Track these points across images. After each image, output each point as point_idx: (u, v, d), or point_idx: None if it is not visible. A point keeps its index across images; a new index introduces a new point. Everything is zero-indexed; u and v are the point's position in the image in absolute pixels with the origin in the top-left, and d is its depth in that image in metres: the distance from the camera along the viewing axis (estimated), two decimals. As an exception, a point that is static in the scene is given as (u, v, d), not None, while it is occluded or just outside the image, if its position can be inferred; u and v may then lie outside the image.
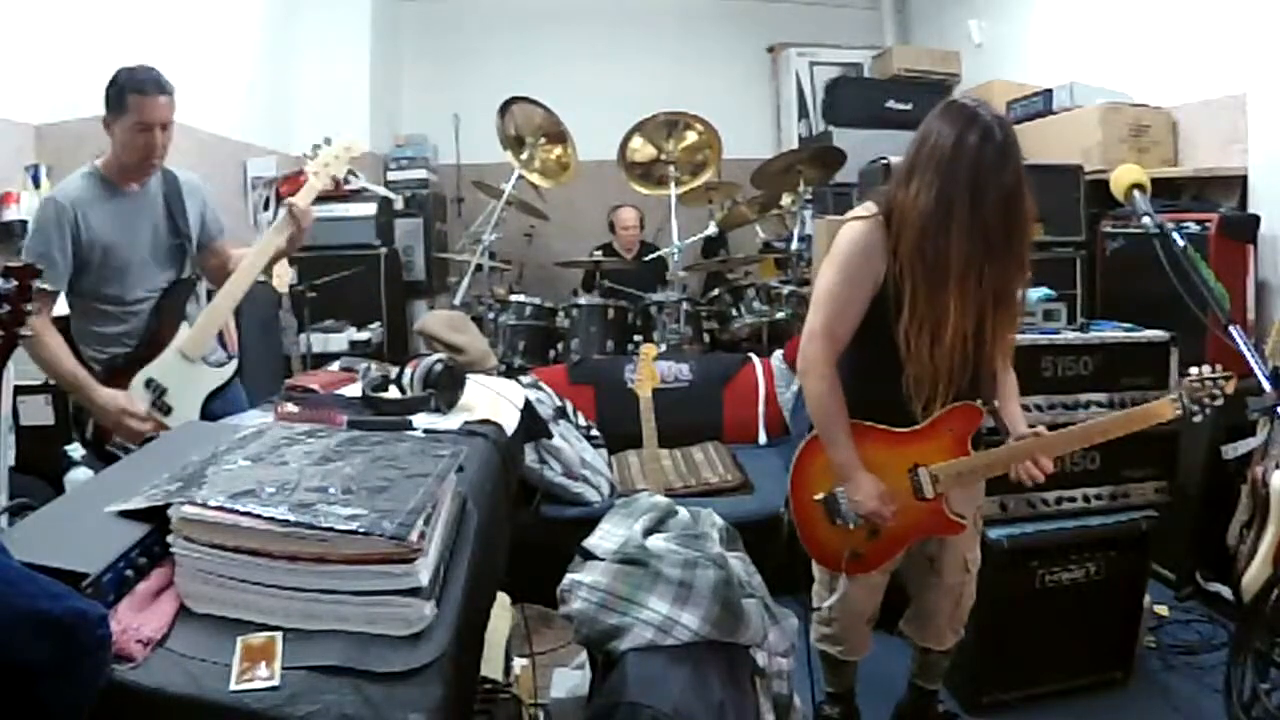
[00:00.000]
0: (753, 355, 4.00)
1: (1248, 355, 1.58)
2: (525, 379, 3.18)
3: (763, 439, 3.79)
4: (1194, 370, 1.74)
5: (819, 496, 1.92)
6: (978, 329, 1.76)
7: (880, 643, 2.79)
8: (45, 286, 2.14)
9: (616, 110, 4.83)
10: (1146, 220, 1.65)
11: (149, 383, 2.23)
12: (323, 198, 4.92)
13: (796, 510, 1.98)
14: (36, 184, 3.10)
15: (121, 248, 2.25)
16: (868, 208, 1.81)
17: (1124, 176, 1.71)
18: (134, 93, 2.17)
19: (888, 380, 1.80)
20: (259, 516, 0.96)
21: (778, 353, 3.96)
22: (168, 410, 2.23)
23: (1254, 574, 2.47)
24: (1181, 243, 1.65)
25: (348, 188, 4.76)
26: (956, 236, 1.66)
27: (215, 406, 2.30)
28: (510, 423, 1.95)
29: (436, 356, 1.99)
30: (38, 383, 2.59)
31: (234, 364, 2.43)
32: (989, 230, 1.67)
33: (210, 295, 2.53)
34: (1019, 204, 1.69)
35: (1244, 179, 3.34)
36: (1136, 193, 1.68)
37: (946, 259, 1.68)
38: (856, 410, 1.85)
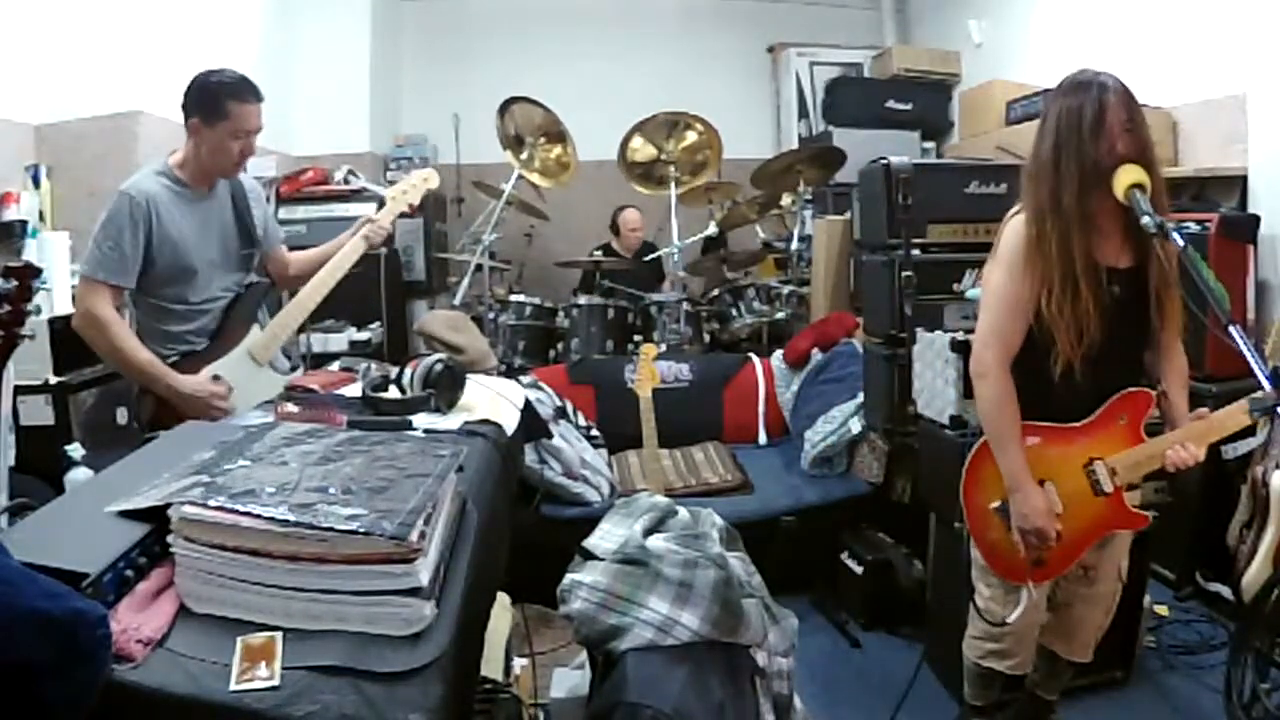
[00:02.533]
0: (753, 355, 4.00)
1: (1248, 355, 1.58)
2: (525, 379, 3.18)
3: (763, 439, 3.80)
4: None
5: (996, 505, 1.86)
6: (1132, 291, 1.78)
7: (880, 642, 2.81)
8: (115, 282, 2.17)
9: (616, 110, 4.84)
10: (1147, 220, 1.64)
11: (215, 379, 2.24)
12: (323, 198, 4.95)
13: (971, 519, 1.91)
14: (36, 184, 3.11)
15: (191, 248, 2.26)
16: (1020, 205, 1.84)
17: (1124, 176, 1.71)
18: (234, 100, 2.19)
19: (1059, 377, 1.78)
20: (259, 516, 0.96)
21: (778, 353, 3.96)
22: (230, 411, 2.23)
23: (1254, 574, 2.47)
24: (1181, 243, 1.65)
25: (348, 188, 4.76)
26: (1066, 174, 1.72)
27: None
28: (510, 423, 1.95)
29: (436, 356, 1.99)
30: (38, 383, 2.59)
31: (300, 373, 2.45)
32: (1095, 160, 1.71)
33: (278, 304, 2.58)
34: (1116, 131, 1.72)
35: (1244, 179, 3.34)
36: (1137, 192, 1.68)
37: (1058, 199, 1.73)
38: (1028, 410, 1.82)
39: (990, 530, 1.89)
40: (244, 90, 2.22)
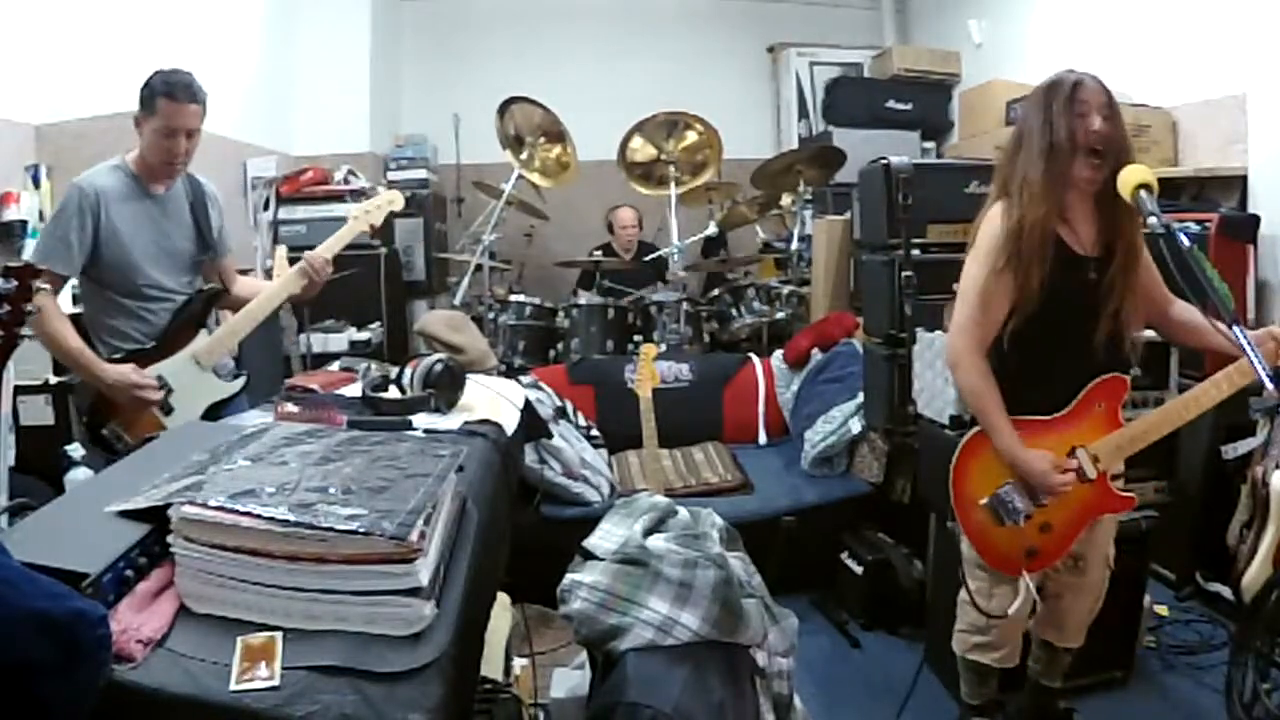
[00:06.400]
0: (753, 355, 4.00)
1: (1251, 355, 1.57)
2: (525, 379, 3.18)
3: (763, 439, 3.79)
4: None
5: (983, 501, 1.88)
6: (1103, 278, 1.82)
7: (880, 642, 2.81)
8: (58, 270, 2.18)
9: (616, 110, 4.83)
10: (1153, 220, 1.64)
11: (158, 379, 2.25)
12: (323, 198, 4.93)
13: (963, 520, 1.93)
14: (36, 184, 3.10)
15: (141, 246, 2.27)
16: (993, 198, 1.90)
17: (1131, 176, 1.70)
18: (163, 97, 2.20)
19: (1035, 372, 1.83)
20: (259, 516, 0.95)
21: (778, 353, 3.96)
22: (169, 410, 2.23)
23: (1254, 574, 2.47)
24: (1188, 243, 1.64)
25: (348, 188, 4.76)
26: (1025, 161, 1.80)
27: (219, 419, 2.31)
28: (510, 423, 1.95)
29: (436, 356, 1.99)
30: (38, 383, 2.59)
31: (242, 381, 2.45)
32: (1070, 131, 1.75)
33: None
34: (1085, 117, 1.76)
35: (1244, 179, 3.34)
36: (1143, 192, 1.68)
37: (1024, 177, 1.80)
38: (1010, 405, 1.85)
39: (983, 528, 1.91)
40: (175, 87, 2.20)
